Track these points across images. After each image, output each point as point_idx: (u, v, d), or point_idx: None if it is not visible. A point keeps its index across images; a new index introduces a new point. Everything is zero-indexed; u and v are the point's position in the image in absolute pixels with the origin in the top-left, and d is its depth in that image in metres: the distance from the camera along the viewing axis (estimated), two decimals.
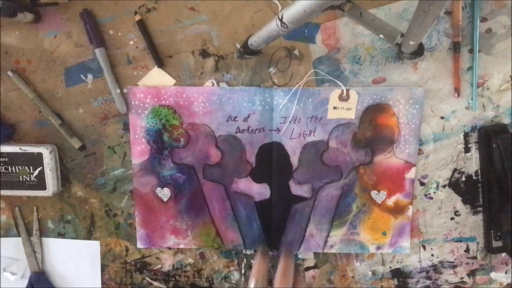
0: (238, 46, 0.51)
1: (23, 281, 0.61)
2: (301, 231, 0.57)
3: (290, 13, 0.36)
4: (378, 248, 0.57)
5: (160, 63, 0.52)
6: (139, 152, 0.55)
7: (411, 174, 0.54)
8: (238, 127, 0.53)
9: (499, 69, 0.50)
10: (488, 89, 0.51)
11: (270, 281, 0.52)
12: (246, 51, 0.48)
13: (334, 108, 0.52)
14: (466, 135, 0.53)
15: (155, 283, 0.61)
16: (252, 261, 0.59)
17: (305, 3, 0.34)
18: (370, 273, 0.59)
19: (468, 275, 0.58)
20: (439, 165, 0.54)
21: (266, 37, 0.43)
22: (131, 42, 0.52)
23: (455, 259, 0.58)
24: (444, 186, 0.55)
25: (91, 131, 0.55)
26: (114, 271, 0.61)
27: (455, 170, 0.54)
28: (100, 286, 0.61)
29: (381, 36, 0.44)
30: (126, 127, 0.54)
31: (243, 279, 0.60)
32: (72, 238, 0.60)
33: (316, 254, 0.59)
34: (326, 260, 0.59)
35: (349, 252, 0.58)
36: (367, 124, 0.53)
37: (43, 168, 0.54)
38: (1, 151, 0.53)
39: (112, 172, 0.57)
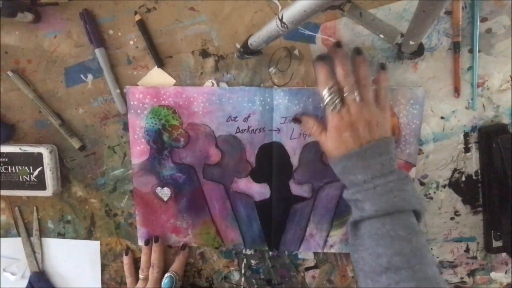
0: (238, 46, 0.51)
1: (23, 281, 0.61)
2: (301, 231, 0.57)
3: (290, 13, 0.36)
4: None
5: (160, 63, 0.52)
6: (139, 152, 0.55)
7: (411, 174, 0.54)
8: (238, 127, 0.53)
9: (499, 69, 0.50)
10: (488, 89, 0.51)
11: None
12: (246, 51, 0.48)
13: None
14: (466, 135, 0.53)
15: None
16: (252, 261, 0.59)
17: (305, 3, 0.34)
18: None
19: (468, 275, 0.58)
20: (439, 165, 0.54)
21: (266, 37, 0.43)
22: (131, 42, 0.52)
23: (455, 259, 0.58)
24: (444, 186, 0.55)
25: (91, 131, 0.55)
26: (114, 270, 0.61)
27: (455, 170, 0.54)
28: (100, 286, 0.61)
29: (381, 36, 0.44)
30: (126, 127, 0.54)
31: (243, 279, 0.60)
32: (72, 238, 0.60)
33: (316, 254, 0.59)
34: (326, 260, 0.59)
35: (349, 252, 0.58)
36: None
37: (43, 168, 0.54)
38: (1, 151, 0.53)
39: (112, 172, 0.57)
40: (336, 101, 0.43)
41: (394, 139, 0.45)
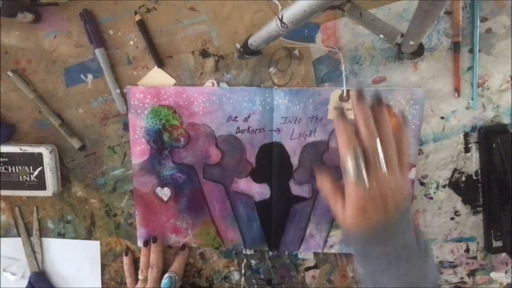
0: (238, 46, 0.51)
1: (23, 281, 0.61)
2: (301, 231, 0.57)
3: (290, 13, 0.36)
4: None
5: (160, 63, 0.52)
6: (139, 152, 0.55)
7: (411, 174, 0.54)
8: (238, 127, 0.53)
9: (499, 69, 0.50)
10: (488, 89, 0.51)
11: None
12: (246, 51, 0.48)
13: (335, 108, 0.52)
14: (466, 135, 0.53)
15: None
16: (252, 261, 0.59)
17: (305, 3, 0.34)
18: None
19: (468, 275, 0.58)
20: (439, 165, 0.54)
21: (266, 37, 0.43)
22: (131, 42, 0.52)
23: (455, 259, 0.58)
24: (444, 186, 0.55)
25: (91, 131, 0.55)
26: (114, 270, 0.61)
27: (455, 170, 0.54)
28: (100, 286, 0.61)
29: (381, 36, 0.44)
30: (126, 127, 0.54)
31: (243, 279, 0.60)
32: (72, 238, 0.60)
33: (316, 254, 0.59)
34: (326, 260, 0.59)
35: (349, 252, 0.58)
36: None
37: (43, 168, 0.54)
38: (1, 151, 0.53)
39: (112, 172, 0.57)
40: (362, 171, 0.37)
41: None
